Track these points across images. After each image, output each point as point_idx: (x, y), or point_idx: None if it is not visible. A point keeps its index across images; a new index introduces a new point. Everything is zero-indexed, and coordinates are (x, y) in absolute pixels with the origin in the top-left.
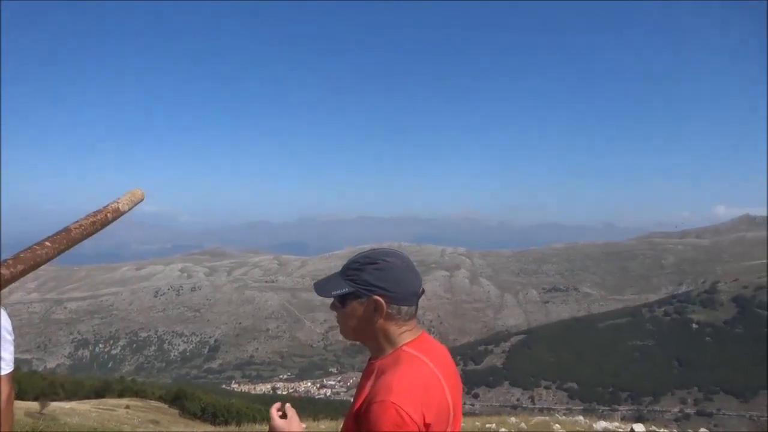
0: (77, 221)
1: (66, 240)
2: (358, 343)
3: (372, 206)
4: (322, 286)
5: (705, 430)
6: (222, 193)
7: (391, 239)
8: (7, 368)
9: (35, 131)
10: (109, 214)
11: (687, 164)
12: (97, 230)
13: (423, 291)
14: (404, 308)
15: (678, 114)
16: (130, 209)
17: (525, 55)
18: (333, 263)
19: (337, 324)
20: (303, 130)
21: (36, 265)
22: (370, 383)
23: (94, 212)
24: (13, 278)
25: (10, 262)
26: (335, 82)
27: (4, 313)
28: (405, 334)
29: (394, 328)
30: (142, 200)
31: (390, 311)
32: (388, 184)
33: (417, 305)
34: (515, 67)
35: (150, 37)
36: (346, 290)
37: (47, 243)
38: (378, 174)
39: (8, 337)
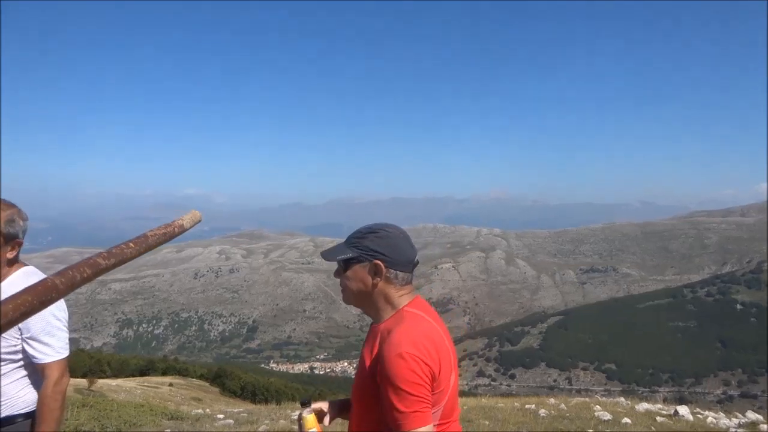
0: (152, 230)
1: (145, 244)
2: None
3: (405, 187)
4: (328, 253)
5: (752, 412)
6: (257, 176)
7: (425, 220)
8: (56, 355)
9: (80, 115)
10: (176, 229)
11: (730, 140)
12: (165, 241)
13: (418, 262)
14: (401, 274)
15: (723, 87)
16: (190, 227)
17: (555, 37)
18: None
19: (342, 290)
20: (338, 114)
21: (122, 262)
22: (378, 342)
23: (165, 225)
24: (107, 269)
25: (106, 255)
26: (370, 67)
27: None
28: (404, 297)
29: (392, 291)
30: (200, 221)
31: (388, 275)
32: (420, 165)
33: (413, 273)
34: (548, 48)
35: (191, 22)
36: (350, 255)
37: (131, 244)
38: (411, 156)
39: (56, 323)
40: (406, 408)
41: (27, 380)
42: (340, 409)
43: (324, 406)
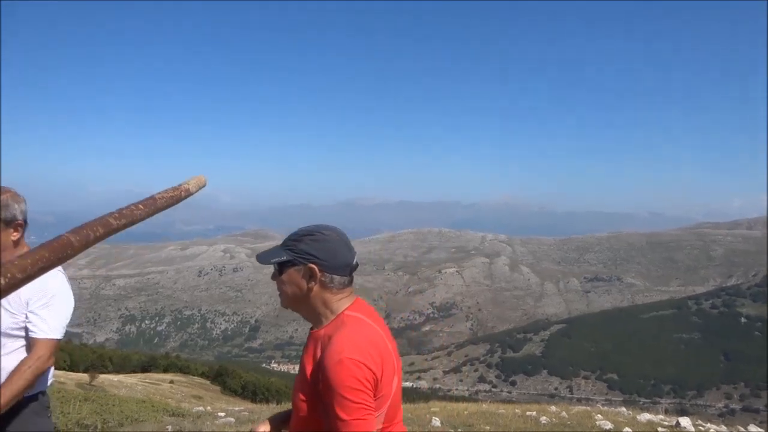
0: (160, 193)
1: (153, 206)
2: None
3: (413, 191)
4: (263, 256)
5: (754, 426)
6: (263, 176)
7: (431, 224)
8: (49, 334)
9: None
10: (182, 193)
11: (740, 151)
12: (173, 204)
13: (357, 264)
14: (337, 278)
15: (736, 98)
16: (196, 192)
17: (565, 41)
18: (372, 247)
19: (279, 294)
20: (347, 116)
21: (132, 223)
22: (318, 348)
23: (173, 188)
24: (118, 230)
25: (117, 215)
26: (381, 70)
27: (62, 277)
28: (343, 301)
29: (329, 296)
30: (205, 185)
31: (323, 279)
32: (429, 169)
33: (351, 277)
34: (555, 52)
35: (199, 19)
36: (284, 258)
37: (140, 206)
38: (420, 160)
39: (59, 304)
40: (348, 416)
41: None
42: (282, 422)
43: (265, 428)
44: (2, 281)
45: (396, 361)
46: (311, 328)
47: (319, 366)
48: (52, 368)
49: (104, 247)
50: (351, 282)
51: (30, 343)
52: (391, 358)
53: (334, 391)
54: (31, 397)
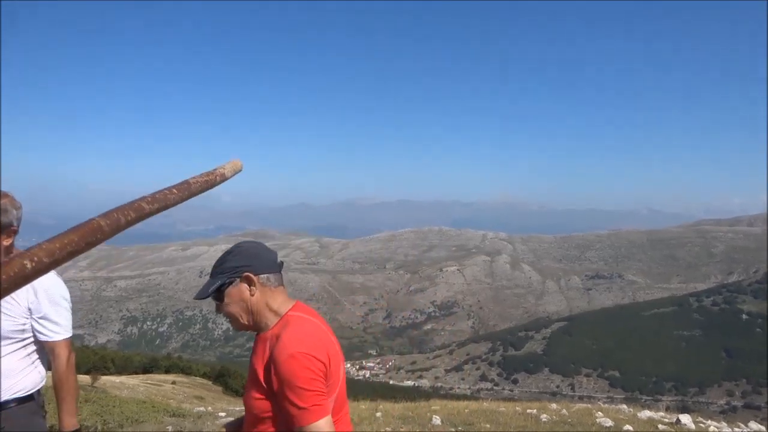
0: (194, 177)
1: (187, 191)
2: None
3: (412, 190)
4: (200, 292)
5: (755, 422)
6: (264, 176)
7: (431, 223)
8: (66, 333)
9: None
10: (217, 177)
11: (740, 149)
12: (207, 189)
13: (282, 262)
14: (271, 276)
15: (736, 96)
16: (231, 176)
17: (565, 40)
18: (373, 246)
19: (230, 321)
20: (346, 115)
21: (165, 207)
22: (267, 349)
23: (207, 172)
24: (150, 214)
25: (149, 199)
26: (379, 69)
27: (60, 281)
28: (284, 304)
29: (271, 297)
30: (240, 170)
31: (261, 281)
32: (428, 168)
33: (281, 274)
34: (554, 52)
35: (198, 20)
36: (218, 283)
37: (174, 190)
38: (419, 159)
39: (65, 303)
40: (304, 404)
41: (28, 361)
42: (238, 427)
43: None
44: (29, 265)
45: (341, 354)
46: (257, 333)
47: (271, 364)
48: (43, 370)
49: (104, 248)
50: (282, 280)
51: (46, 346)
52: (336, 348)
53: (289, 384)
54: (26, 397)
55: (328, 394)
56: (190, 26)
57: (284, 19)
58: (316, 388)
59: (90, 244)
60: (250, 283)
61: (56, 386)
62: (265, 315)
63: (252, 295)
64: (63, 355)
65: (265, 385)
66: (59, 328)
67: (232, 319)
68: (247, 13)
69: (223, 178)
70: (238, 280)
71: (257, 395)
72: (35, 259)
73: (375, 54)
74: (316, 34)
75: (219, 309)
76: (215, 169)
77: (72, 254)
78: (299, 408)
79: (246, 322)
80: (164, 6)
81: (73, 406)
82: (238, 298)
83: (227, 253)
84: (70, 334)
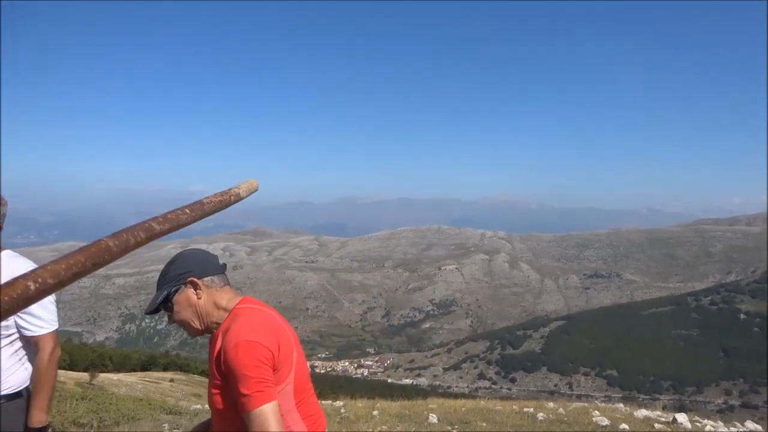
0: (208, 197)
1: (200, 211)
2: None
3: (412, 189)
4: (149, 307)
5: (752, 422)
6: (263, 174)
7: (430, 222)
8: (50, 327)
9: (89, 110)
10: (232, 197)
11: (739, 149)
12: (221, 209)
13: (224, 264)
14: (215, 278)
15: (735, 95)
16: (246, 196)
17: (564, 40)
18: (372, 245)
19: (184, 328)
20: (346, 113)
21: (177, 227)
22: (219, 342)
23: (221, 192)
24: (161, 234)
25: (161, 219)
26: (379, 67)
27: (32, 266)
28: (232, 300)
29: (218, 296)
30: (256, 190)
31: (206, 283)
32: (428, 167)
33: (225, 275)
34: (557, 51)
35: (199, 19)
36: (165, 293)
37: (187, 210)
38: (419, 157)
39: (48, 297)
40: (248, 390)
41: (15, 358)
42: (206, 428)
43: None
44: (32, 286)
45: (294, 338)
46: (211, 334)
47: (221, 354)
48: (29, 365)
49: None
50: (228, 280)
51: (32, 341)
52: (287, 335)
53: (235, 373)
54: (14, 394)
55: (277, 381)
56: (189, 25)
57: (284, 19)
58: (260, 375)
59: (97, 265)
60: (195, 287)
61: (34, 379)
62: (215, 314)
63: (199, 299)
64: (47, 348)
65: (219, 379)
66: (43, 323)
67: (185, 326)
68: (247, 13)
69: (238, 198)
70: (183, 286)
71: (215, 390)
72: (39, 280)
73: (375, 53)
74: (316, 34)
75: (171, 319)
76: (230, 189)
77: (78, 275)
78: (244, 395)
79: (199, 326)
80: (164, 6)
81: (45, 402)
82: (186, 303)
83: (169, 263)
84: (55, 328)
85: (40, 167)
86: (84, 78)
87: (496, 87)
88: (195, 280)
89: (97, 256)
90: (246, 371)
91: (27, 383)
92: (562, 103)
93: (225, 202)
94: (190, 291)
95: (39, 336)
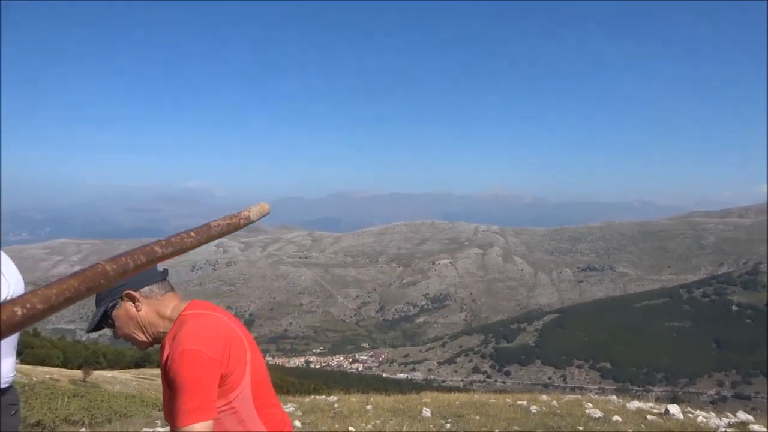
0: (216, 221)
1: (206, 235)
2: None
3: (405, 183)
4: (90, 326)
5: (743, 412)
6: (257, 169)
7: (423, 216)
8: None
9: (83, 107)
10: (242, 221)
11: (730, 141)
12: (230, 232)
13: (165, 270)
14: (153, 287)
15: (726, 89)
16: (257, 220)
17: (556, 35)
18: (365, 240)
19: (132, 343)
20: (337, 108)
21: (181, 251)
22: (167, 351)
23: (230, 215)
24: (164, 258)
25: (164, 243)
26: (370, 62)
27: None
28: (177, 306)
29: (160, 306)
30: (267, 214)
31: (144, 294)
32: (420, 161)
33: (167, 281)
34: (548, 46)
35: (192, 17)
36: (102, 309)
37: (192, 234)
38: (411, 152)
39: (17, 287)
40: (185, 404)
41: None
42: None
43: None
44: (19, 312)
45: (249, 341)
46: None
47: (167, 363)
48: (15, 361)
49: (96, 242)
50: (171, 287)
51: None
52: (238, 338)
53: (176, 383)
54: (1, 389)
55: (231, 386)
56: (183, 22)
57: (273, 14)
58: (200, 390)
59: (92, 290)
60: (133, 299)
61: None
62: (160, 324)
63: (139, 311)
64: None
65: (169, 388)
66: None
67: (131, 340)
68: (238, 9)
69: (248, 221)
70: (120, 301)
71: (166, 400)
72: (27, 305)
73: (368, 49)
74: (307, 29)
75: (116, 335)
76: (240, 212)
77: (71, 300)
78: (179, 408)
79: (145, 339)
80: (159, 3)
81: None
82: (126, 318)
83: None
84: None
85: (33, 164)
86: (77, 74)
87: (488, 81)
88: (131, 292)
89: (92, 281)
90: (187, 384)
91: (11, 377)
92: (555, 97)
93: (234, 225)
94: (128, 304)
95: None
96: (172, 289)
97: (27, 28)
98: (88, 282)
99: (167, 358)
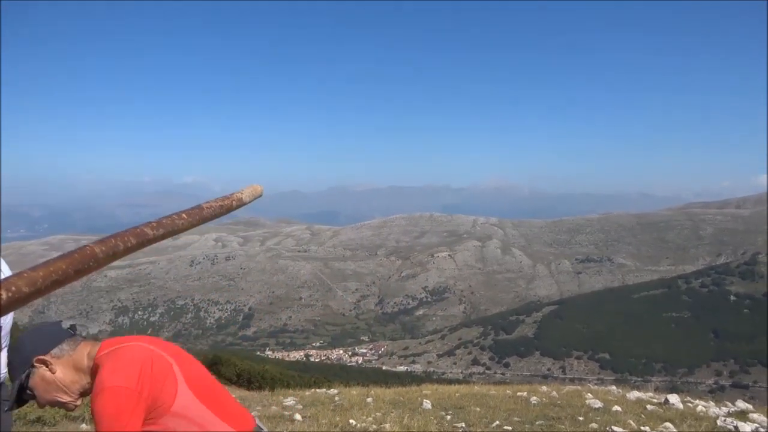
0: (208, 202)
1: (199, 216)
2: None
3: (403, 176)
4: (9, 403)
5: (742, 401)
6: (255, 164)
7: (422, 209)
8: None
9: (80, 103)
10: (234, 202)
11: (729, 132)
12: (222, 214)
13: (72, 325)
14: (63, 345)
15: (724, 80)
16: (249, 201)
17: (553, 26)
18: (364, 233)
19: (61, 407)
20: (335, 101)
21: (173, 233)
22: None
23: (222, 197)
24: (155, 240)
25: (155, 224)
26: (369, 56)
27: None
28: (91, 352)
29: (77, 361)
30: (260, 195)
31: (54, 355)
32: (419, 154)
33: (75, 333)
34: (545, 38)
35: (190, 13)
36: (18, 383)
37: (184, 215)
38: (409, 144)
39: None
40: None
41: None
42: None
43: None
44: (4, 295)
45: (174, 355)
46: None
47: (91, 407)
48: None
49: (94, 238)
50: (82, 337)
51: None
52: (158, 357)
53: (99, 425)
54: None
55: (167, 404)
56: (179, 18)
57: (271, 9)
58: (119, 426)
59: (80, 272)
60: (45, 363)
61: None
62: (82, 378)
63: (54, 373)
64: None
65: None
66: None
67: (57, 404)
68: (236, 4)
69: (241, 203)
70: (32, 369)
71: None
72: (12, 288)
73: (366, 43)
74: (304, 23)
75: (40, 404)
76: (232, 194)
77: (58, 283)
78: None
79: (71, 398)
80: (161, 4)
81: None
82: (44, 384)
83: (11, 352)
84: None
85: (31, 160)
86: (74, 70)
87: (485, 73)
88: (41, 357)
89: (80, 263)
90: (105, 424)
91: (3, 374)
92: (553, 89)
93: (226, 207)
94: (42, 370)
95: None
96: (84, 338)
97: (24, 24)
98: (76, 264)
99: (90, 405)
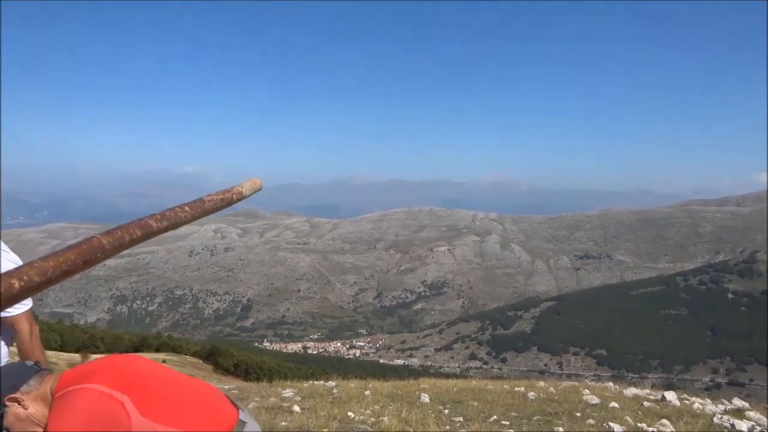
0: (209, 195)
1: (200, 209)
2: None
3: (403, 170)
4: None
5: (739, 399)
6: (255, 155)
7: (422, 203)
8: (24, 307)
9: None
10: (234, 195)
11: (729, 130)
12: (223, 207)
13: (37, 362)
14: (31, 381)
15: (725, 78)
16: (249, 195)
17: (553, 24)
18: (364, 226)
19: None
20: (336, 94)
21: (175, 225)
22: None
23: (223, 191)
24: (159, 232)
25: (158, 216)
26: (370, 50)
27: (12, 256)
28: (51, 388)
29: (43, 394)
30: (260, 189)
31: (24, 391)
32: (419, 148)
33: (40, 368)
34: (547, 34)
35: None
36: None
37: (186, 208)
38: (410, 139)
39: None
40: None
41: None
42: None
43: None
44: (16, 284)
45: (133, 393)
46: None
47: None
48: (5, 347)
49: (93, 227)
50: (48, 370)
51: (6, 322)
52: (112, 403)
53: None
54: None
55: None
56: (179, 8)
57: (275, 6)
58: None
59: (89, 263)
60: (17, 401)
61: (26, 358)
62: (48, 410)
63: (27, 409)
64: (24, 329)
65: None
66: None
67: None
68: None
69: (241, 197)
70: (5, 409)
71: None
72: (24, 278)
73: (366, 37)
74: (304, 18)
75: None
76: (232, 188)
77: (68, 273)
78: None
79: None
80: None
81: None
82: (18, 422)
83: None
84: (29, 307)
85: (31, 148)
86: (75, 59)
87: (486, 69)
88: (12, 396)
89: (88, 254)
90: None
91: (6, 360)
92: (554, 85)
93: (227, 200)
94: (15, 408)
95: (13, 317)
96: (50, 371)
97: (25, 12)
98: (84, 255)
99: None
